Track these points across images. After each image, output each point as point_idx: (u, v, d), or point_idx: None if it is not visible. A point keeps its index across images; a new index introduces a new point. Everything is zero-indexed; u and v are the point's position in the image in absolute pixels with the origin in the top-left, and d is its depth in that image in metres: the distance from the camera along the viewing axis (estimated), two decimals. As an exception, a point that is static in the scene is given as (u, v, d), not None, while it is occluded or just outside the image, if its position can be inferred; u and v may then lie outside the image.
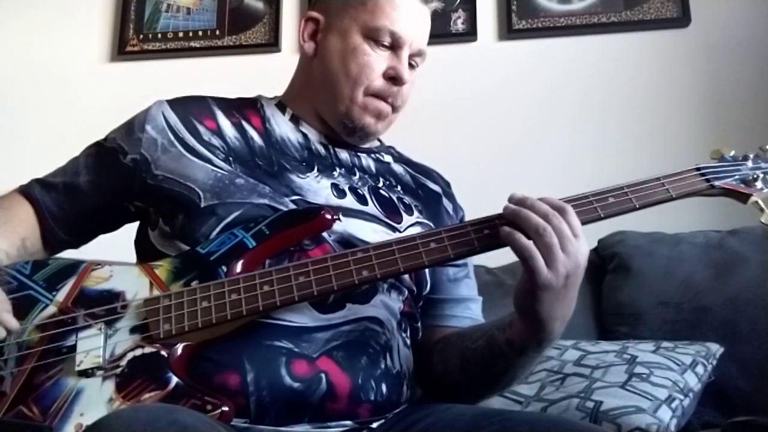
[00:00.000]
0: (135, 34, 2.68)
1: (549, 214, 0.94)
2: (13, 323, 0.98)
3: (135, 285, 1.02)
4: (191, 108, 1.21)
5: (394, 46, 1.21)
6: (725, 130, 2.24)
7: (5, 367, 0.96)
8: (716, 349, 1.61)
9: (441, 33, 2.42)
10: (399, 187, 1.28)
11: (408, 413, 1.09)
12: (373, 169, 1.28)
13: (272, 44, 2.59)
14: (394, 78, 1.20)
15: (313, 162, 1.21)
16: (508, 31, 2.45)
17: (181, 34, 2.66)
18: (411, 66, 1.24)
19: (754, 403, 1.58)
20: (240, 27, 2.64)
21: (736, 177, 1.09)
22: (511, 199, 0.99)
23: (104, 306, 1.00)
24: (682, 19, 2.35)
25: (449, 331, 1.23)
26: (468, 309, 1.28)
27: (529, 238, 0.94)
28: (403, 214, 1.21)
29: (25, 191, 1.21)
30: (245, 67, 2.57)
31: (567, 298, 0.98)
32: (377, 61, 1.20)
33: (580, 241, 0.95)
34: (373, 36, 1.19)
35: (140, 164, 1.15)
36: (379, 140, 1.36)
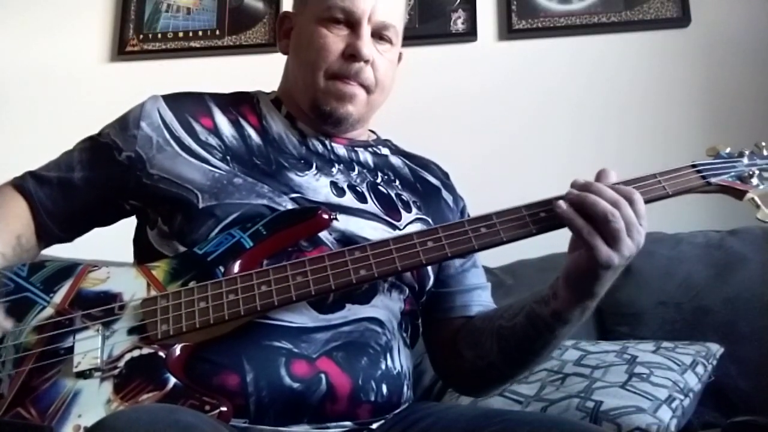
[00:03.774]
0: (135, 34, 2.68)
1: (619, 202, 0.96)
2: (7, 324, 0.98)
3: (132, 286, 1.01)
4: (187, 105, 1.20)
5: (351, 23, 1.17)
6: (725, 130, 2.23)
7: (3, 369, 0.96)
8: (716, 349, 1.61)
9: (441, 33, 2.44)
10: (397, 182, 1.27)
11: (408, 413, 1.09)
12: (371, 163, 1.27)
13: (272, 44, 2.58)
14: (352, 55, 1.16)
15: (311, 159, 1.20)
16: (508, 31, 2.45)
17: (181, 34, 2.66)
18: (383, 40, 1.20)
19: (754, 403, 1.58)
20: (240, 27, 2.64)
21: (732, 174, 1.09)
22: (574, 184, 1.00)
23: (102, 307, 0.99)
24: (682, 19, 2.35)
25: (463, 321, 1.23)
26: (478, 297, 1.27)
27: (593, 220, 0.96)
28: (402, 212, 1.20)
29: (19, 185, 1.19)
30: (245, 67, 2.56)
31: (617, 273, 1.00)
32: (334, 41, 1.16)
33: (644, 228, 0.98)
34: (326, 16, 1.16)
35: (135, 162, 1.14)
36: (375, 133, 1.36)
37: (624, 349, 1.61)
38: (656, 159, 2.18)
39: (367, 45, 1.16)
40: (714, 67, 2.32)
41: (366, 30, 1.16)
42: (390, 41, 1.21)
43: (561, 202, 0.98)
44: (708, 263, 1.83)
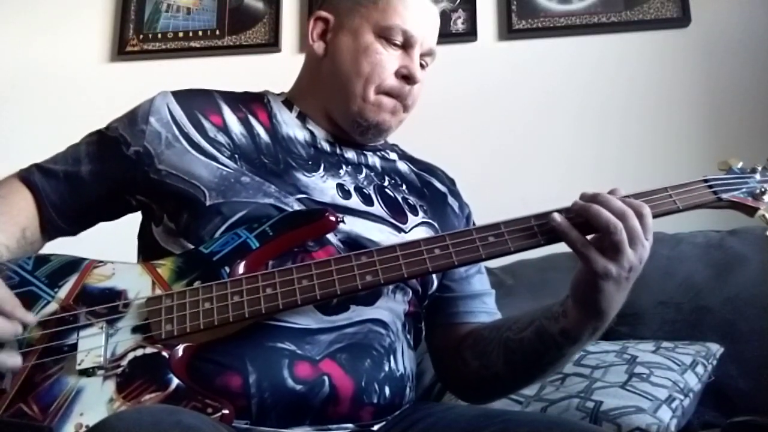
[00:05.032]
0: (135, 34, 2.68)
1: (626, 214, 0.95)
2: (30, 318, 0.97)
3: (137, 284, 1.01)
4: (197, 102, 1.20)
5: (406, 45, 1.20)
6: (725, 131, 2.24)
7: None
8: (716, 349, 1.61)
9: (441, 33, 2.40)
10: (404, 186, 1.27)
11: (408, 414, 1.09)
12: (379, 167, 1.27)
13: (272, 44, 2.59)
14: (406, 77, 1.20)
15: (320, 160, 1.20)
16: (508, 31, 2.45)
17: (181, 34, 2.66)
18: (421, 66, 1.23)
19: (754, 403, 1.57)
20: (240, 27, 2.64)
21: (744, 190, 1.08)
22: (582, 196, 1.00)
23: (106, 304, 0.99)
24: (682, 19, 2.35)
25: (470, 327, 1.23)
26: (483, 303, 1.27)
27: (596, 231, 0.96)
28: (408, 215, 1.21)
29: (25, 177, 1.19)
30: (245, 67, 2.57)
31: (625, 290, 1.00)
32: (389, 59, 1.19)
33: (649, 242, 0.98)
34: (385, 35, 1.19)
35: (143, 157, 1.14)
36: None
37: (624, 349, 1.61)
38: (657, 159, 2.20)
39: (419, 69, 1.21)
40: (714, 67, 2.32)
41: (418, 54, 1.21)
42: (427, 65, 1.26)
43: (555, 215, 0.99)
44: (708, 263, 1.83)
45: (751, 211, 1.08)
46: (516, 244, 1.00)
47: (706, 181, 1.08)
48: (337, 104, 1.22)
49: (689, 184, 1.07)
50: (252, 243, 1.02)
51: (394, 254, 1.00)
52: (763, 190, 1.09)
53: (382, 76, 1.19)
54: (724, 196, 1.07)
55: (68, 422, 0.90)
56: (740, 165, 1.13)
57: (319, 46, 1.25)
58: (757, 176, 1.11)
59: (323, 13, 1.26)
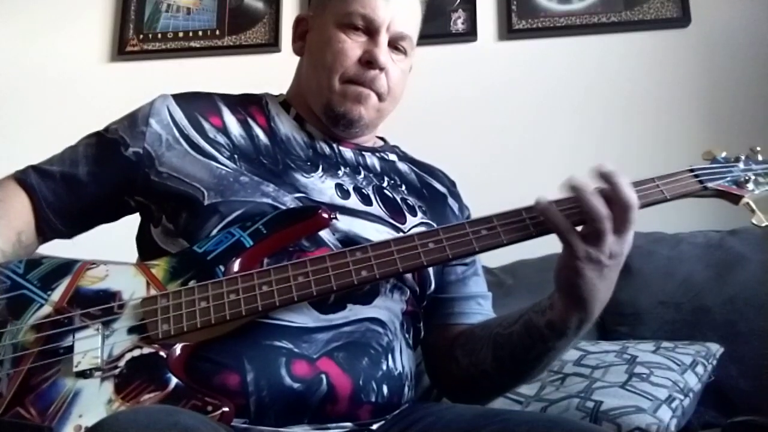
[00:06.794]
0: (135, 34, 2.68)
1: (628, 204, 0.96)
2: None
3: (131, 284, 1.01)
4: (196, 104, 1.21)
5: (371, 31, 1.19)
6: (725, 130, 2.24)
7: (1, 368, 0.95)
8: (716, 349, 1.61)
9: (441, 33, 2.44)
10: (403, 187, 1.27)
11: (407, 413, 1.09)
12: (378, 167, 1.27)
13: (272, 44, 2.60)
14: (369, 62, 1.18)
15: (318, 161, 1.20)
16: (508, 31, 2.46)
17: (181, 34, 2.67)
18: (398, 50, 1.22)
19: (754, 403, 1.58)
20: (240, 27, 2.64)
21: (728, 178, 1.10)
22: (570, 183, 1.01)
23: (100, 306, 0.99)
24: (682, 19, 2.36)
25: (463, 328, 1.23)
26: (478, 305, 1.27)
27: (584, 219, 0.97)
28: (407, 215, 1.21)
29: (21, 179, 1.18)
30: (245, 67, 2.57)
31: (609, 280, 1.00)
32: (352, 47, 1.18)
33: (632, 233, 0.98)
34: (345, 22, 1.18)
35: (143, 158, 1.14)
36: (384, 140, 1.36)
37: (624, 349, 1.61)
38: (657, 158, 2.19)
39: (383, 53, 1.18)
40: (714, 67, 2.32)
41: (384, 39, 1.19)
42: (404, 51, 1.23)
43: (539, 198, 1.00)
44: (708, 263, 1.83)
45: (735, 199, 1.09)
46: (509, 236, 1.01)
47: (691, 170, 1.09)
48: (313, 100, 1.23)
49: (675, 174, 1.08)
50: (246, 241, 1.02)
51: (388, 249, 1.00)
52: (746, 178, 1.10)
53: (344, 64, 1.18)
54: (710, 185, 1.08)
55: (67, 424, 0.89)
56: (724, 154, 1.15)
57: (296, 47, 1.28)
58: (741, 165, 1.13)
59: (303, 14, 1.29)
